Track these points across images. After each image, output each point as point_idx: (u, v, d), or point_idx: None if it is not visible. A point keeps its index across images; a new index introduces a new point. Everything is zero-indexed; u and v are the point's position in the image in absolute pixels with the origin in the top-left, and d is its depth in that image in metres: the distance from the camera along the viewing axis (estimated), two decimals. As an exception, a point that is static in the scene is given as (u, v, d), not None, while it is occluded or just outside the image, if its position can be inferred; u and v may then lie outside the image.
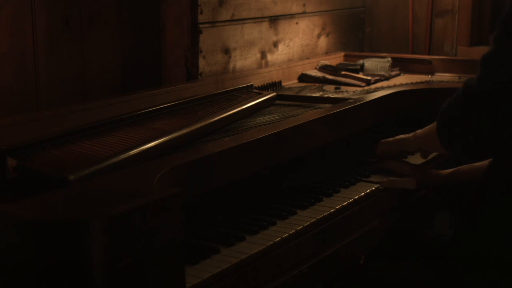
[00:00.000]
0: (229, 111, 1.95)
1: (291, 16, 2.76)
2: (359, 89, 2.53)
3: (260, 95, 2.19)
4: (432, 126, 1.72)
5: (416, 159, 1.99)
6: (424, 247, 1.89)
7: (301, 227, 1.49)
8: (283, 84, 2.54)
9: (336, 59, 2.93)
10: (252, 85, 2.31)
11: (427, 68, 2.84)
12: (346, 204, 1.65)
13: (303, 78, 2.70)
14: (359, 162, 1.97)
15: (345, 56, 3.01)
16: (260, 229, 1.46)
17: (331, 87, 2.55)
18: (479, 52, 2.96)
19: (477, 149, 1.56)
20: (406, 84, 2.55)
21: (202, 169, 1.46)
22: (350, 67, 2.76)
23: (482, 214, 1.62)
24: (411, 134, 1.85)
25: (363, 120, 2.04)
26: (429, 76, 2.76)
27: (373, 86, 2.56)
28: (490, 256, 1.60)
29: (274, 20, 2.66)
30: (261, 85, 2.41)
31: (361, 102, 2.04)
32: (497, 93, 1.45)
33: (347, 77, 2.66)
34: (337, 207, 1.62)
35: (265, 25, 2.62)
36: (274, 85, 2.47)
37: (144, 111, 1.82)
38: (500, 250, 1.59)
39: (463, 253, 1.64)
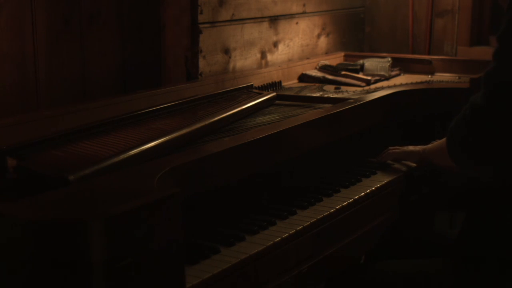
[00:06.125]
0: (229, 111, 1.95)
1: (291, 16, 2.76)
2: (359, 89, 2.52)
3: (260, 95, 2.18)
4: (441, 142, 1.74)
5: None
6: (424, 246, 1.89)
7: (301, 227, 1.49)
8: (283, 84, 2.54)
9: (336, 59, 2.93)
10: (252, 85, 2.31)
11: (427, 68, 2.84)
12: (346, 204, 1.65)
13: (303, 78, 2.69)
14: (359, 162, 1.97)
15: (345, 56, 3.01)
16: (260, 229, 1.46)
17: (331, 87, 2.55)
18: (479, 52, 2.97)
19: (488, 162, 1.57)
20: (406, 84, 2.55)
21: (202, 169, 1.46)
22: (350, 67, 2.76)
23: (489, 215, 1.63)
24: (419, 148, 1.87)
25: (363, 120, 2.04)
26: (429, 76, 2.76)
27: (373, 86, 2.56)
28: (494, 256, 1.60)
29: (274, 20, 2.66)
30: (261, 85, 2.41)
31: (361, 102, 2.04)
32: (501, 108, 1.47)
33: (347, 77, 2.66)
34: (337, 207, 1.62)
35: (265, 25, 2.62)
36: (274, 85, 2.47)
37: (144, 111, 1.82)
38: (505, 250, 1.59)
39: (467, 253, 1.64)
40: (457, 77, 2.70)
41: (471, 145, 1.54)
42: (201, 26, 2.30)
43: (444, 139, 1.69)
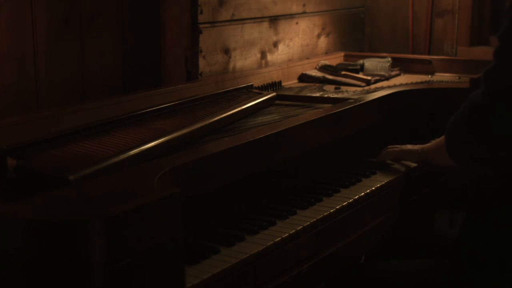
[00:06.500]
0: (229, 111, 1.95)
1: (291, 16, 2.76)
2: (359, 89, 2.53)
3: (260, 95, 2.19)
4: (440, 140, 1.74)
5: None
6: (424, 246, 1.89)
7: (301, 227, 1.49)
8: (283, 84, 2.54)
9: (336, 59, 2.93)
10: (252, 85, 2.31)
11: (427, 68, 2.84)
12: (346, 204, 1.65)
13: (303, 78, 2.70)
14: (359, 162, 1.97)
15: (345, 56, 3.01)
16: (260, 229, 1.46)
17: (331, 87, 2.55)
18: (479, 52, 2.97)
19: (487, 161, 1.57)
20: (406, 84, 2.55)
21: (202, 169, 1.46)
22: (350, 67, 2.76)
23: (489, 215, 1.63)
24: (418, 147, 1.87)
25: (363, 120, 2.04)
26: (429, 76, 2.76)
27: (373, 86, 2.56)
28: (494, 256, 1.60)
29: (274, 20, 2.66)
30: (261, 85, 2.41)
31: (361, 102, 2.04)
32: (501, 107, 1.47)
33: (347, 77, 2.66)
34: (337, 207, 1.62)
35: (265, 25, 2.62)
36: (274, 85, 2.47)
37: (144, 111, 1.82)
38: (505, 250, 1.59)
39: (467, 253, 1.64)
40: (457, 77, 2.70)
41: (470, 143, 1.54)
42: (201, 26, 2.30)
43: (442, 137, 1.69)
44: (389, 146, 1.95)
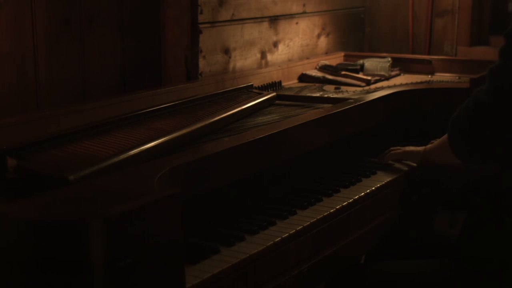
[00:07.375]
0: (229, 111, 1.95)
1: (291, 16, 2.76)
2: (359, 89, 2.52)
3: (260, 95, 2.19)
4: (442, 139, 1.74)
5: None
6: (424, 246, 1.89)
7: (301, 227, 1.49)
8: (283, 84, 2.54)
9: (336, 59, 2.93)
10: (252, 85, 2.31)
11: (427, 68, 2.84)
12: (346, 204, 1.65)
13: (303, 78, 2.70)
14: (359, 162, 1.97)
15: (345, 56, 3.01)
16: (260, 229, 1.46)
17: (331, 87, 2.55)
18: (479, 52, 2.97)
19: (489, 157, 1.58)
20: (406, 84, 2.55)
21: (202, 169, 1.46)
22: (350, 67, 2.76)
23: (490, 216, 1.63)
24: (421, 148, 1.87)
25: (363, 120, 2.04)
26: (429, 76, 2.76)
27: (373, 86, 2.56)
28: (495, 257, 1.60)
29: (274, 20, 2.66)
30: (261, 85, 2.41)
31: (361, 102, 2.04)
32: (504, 104, 1.47)
33: (347, 77, 2.66)
34: (337, 207, 1.62)
35: (265, 25, 2.62)
36: (274, 85, 2.47)
37: (144, 111, 1.83)
38: (505, 250, 1.59)
39: (468, 253, 1.64)
40: (457, 77, 2.70)
41: (473, 139, 1.54)
42: (201, 26, 2.30)
43: (444, 136, 1.69)
44: (392, 148, 1.95)
